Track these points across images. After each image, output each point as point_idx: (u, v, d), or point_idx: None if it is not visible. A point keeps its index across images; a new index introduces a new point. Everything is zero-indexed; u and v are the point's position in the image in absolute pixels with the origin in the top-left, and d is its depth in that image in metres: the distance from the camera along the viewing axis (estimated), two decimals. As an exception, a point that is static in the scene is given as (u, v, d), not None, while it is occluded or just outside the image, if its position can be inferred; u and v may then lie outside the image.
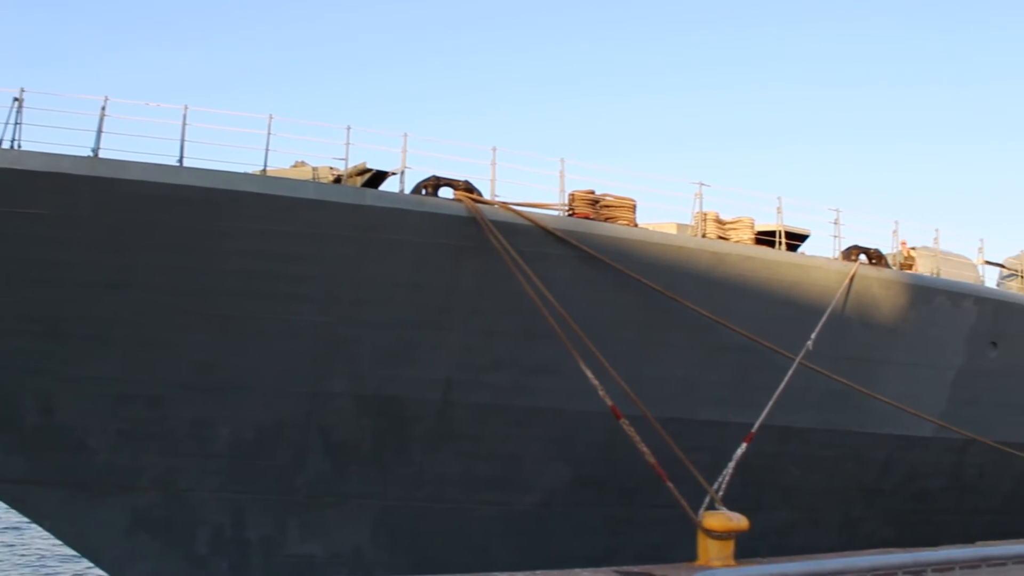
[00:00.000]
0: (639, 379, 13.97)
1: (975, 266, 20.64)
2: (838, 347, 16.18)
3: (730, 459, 14.31)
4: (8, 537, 24.52)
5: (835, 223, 17.48)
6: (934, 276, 18.66)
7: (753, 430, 14.82)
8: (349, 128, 13.73)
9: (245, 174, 13.28)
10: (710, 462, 13.96)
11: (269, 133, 13.31)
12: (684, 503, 12.95)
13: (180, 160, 12.90)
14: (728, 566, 12.34)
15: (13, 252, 12.53)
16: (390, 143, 14.42)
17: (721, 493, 13.66)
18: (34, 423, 13.42)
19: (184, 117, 12.94)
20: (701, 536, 12.90)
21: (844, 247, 17.36)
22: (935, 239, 19.57)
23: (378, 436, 14.23)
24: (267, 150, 13.43)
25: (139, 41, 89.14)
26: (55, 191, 12.23)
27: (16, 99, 12.56)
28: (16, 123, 12.59)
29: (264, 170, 13.57)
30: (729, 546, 12.82)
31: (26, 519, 15.65)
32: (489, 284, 13.87)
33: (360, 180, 14.73)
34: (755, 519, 13.15)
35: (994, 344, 18.60)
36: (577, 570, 13.08)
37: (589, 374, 13.19)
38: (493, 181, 14.35)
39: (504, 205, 14.05)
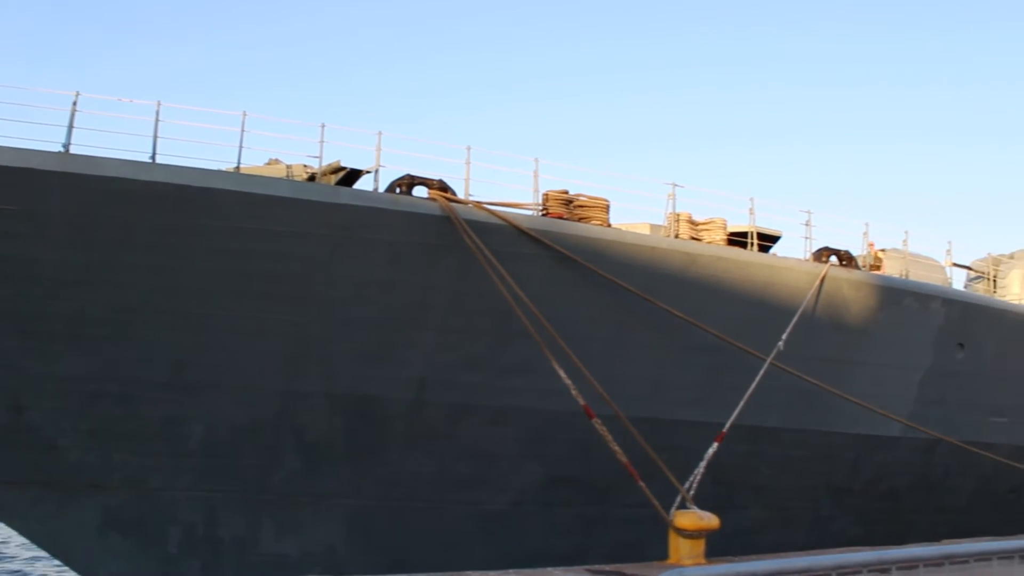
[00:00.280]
0: (612, 379, 14.04)
1: (943, 268, 20.90)
2: (809, 348, 16.33)
3: (701, 458, 14.42)
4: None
5: (806, 224, 17.65)
6: (903, 278, 18.89)
7: (724, 430, 14.92)
8: (323, 126, 13.71)
9: (218, 171, 13.21)
10: (682, 461, 14.04)
11: (243, 130, 13.25)
12: (656, 502, 13.02)
13: (152, 156, 12.80)
14: (699, 564, 12.43)
15: (-18, 249, 12.39)
16: (364, 141, 14.41)
17: (692, 492, 13.75)
18: (3, 422, 13.28)
19: (157, 113, 12.84)
20: (672, 535, 12.97)
21: (815, 248, 17.53)
22: (904, 241, 19.82)
23: (352, 435, 14.20)
24: (241, 147, 13.38)
25: (112, 37, 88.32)
26: (25, 187, 12.10)
27: None
28: None
29: (238, 167, 13.50)
30: (700, 545, 12.89)
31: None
32: (463, 283, 13.89)
33: (334, 178, 14.69)
34: (726, 518, 13.23)
35: (961, 345, 18.86)
36: (550, 569, 13.11)
37: (562, 374, 13.24)
38: (467, 180, 14.37)
39: (478, 204, 14.07)
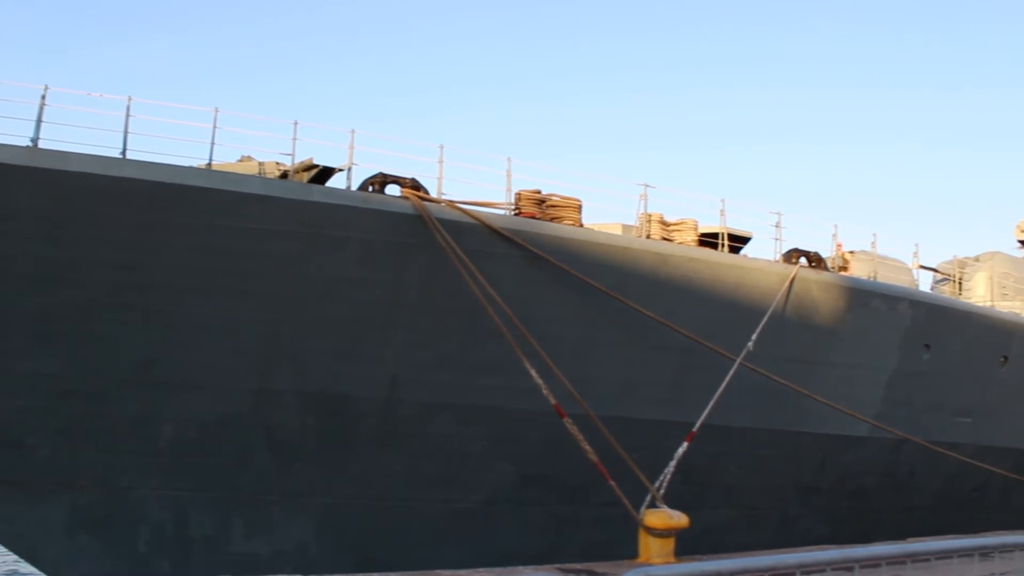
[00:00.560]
0: (583, 378, 14.10)
1: (910, 270, 21.17)
2: (778, 348, 16.48)
3: (672, 458, 14.51)
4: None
5: (777, 226, 17.80)
6: (871, 280, 19.10)
7: (694, 429, 15.03)
8: (296, 123, 13.65)
9: (190, 168, 13.11)
10: (652, 461, 14.13)
11: (215, 127, 13.15)
12: (626, 501, 13.09)
13: (123, 152, 12.69)
14: (668, 563, 12.51)
15: (-52, 245, 12.24)
16: (337, 139, 14.36)
17: (662, 491, 13.83)
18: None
19: (127, 108, 12.72)
20: (642, 534, 13.03)
21: (785, 250, 17.69)
22: (872, 243, 20.05)
23: (323, 434, 14.17)
24: (212, 144, 13.27)
25: (82, 31, 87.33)
26: (-7, 182, 11.97)
27: None
28: None
29: (209, 164, 13.41)
30: (669, 543, 12.96)
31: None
32: (435, 282, 13.90)
33: (307, 176, 14.64)
34: (695, 517, 13.32)
35: (927, 347, 19.10)
36: (520, 568, 13.15)
37: (533, 373, 13.28)
38: (440, 179, 14.36)
39: (451, 203, 14.08)
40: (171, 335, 13.18)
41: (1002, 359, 20.58)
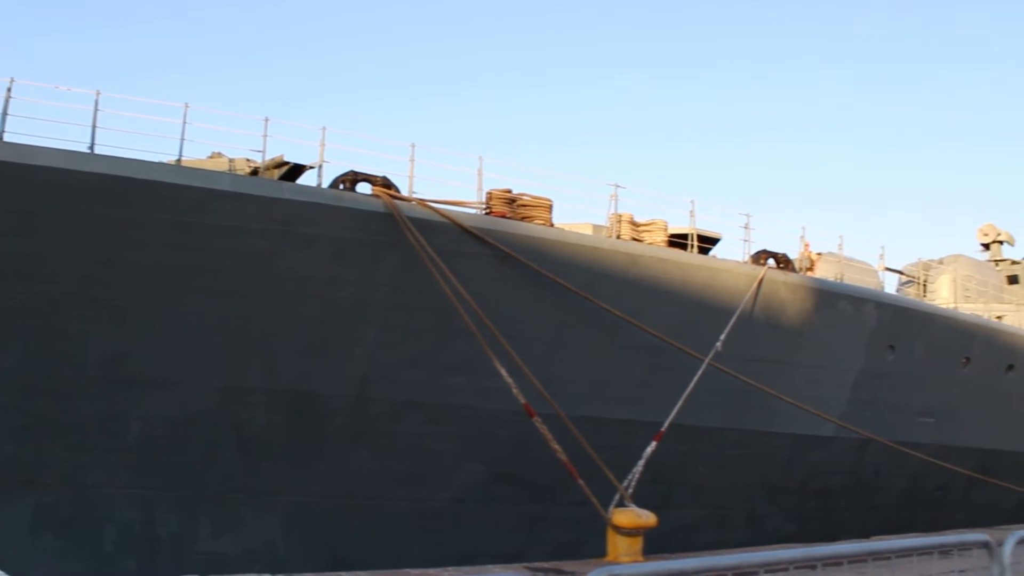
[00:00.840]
0: (553, 378, 14.15)
1: (876, 272, 21.46)
2: (746, 348, 16.62)
3: (640, 457, 14.61)
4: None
5: (745, 227, 17.97)
6: (838, 281, 19.32)
7: (663, 429, 15.15)
8: (267, 120, 13.59)
9: (159, 163, 13.01)
10: (621, 460, 14.23)
11: (184, 122, 13.06)
12: (595, 500, 13.15)
13: (91, 147, 12.57)
14: (636, 562, 12.60)
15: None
16: (308, 136, 14.33)
17: (631, 491, 13.93)
18: (-69, 416, 12.96)
19: (96, 103, 12.59)
20: (611, 533, 13.11)
21: (754, 251, 17.85)
22: (839, 245, 20.30)
23: (292, 432, 14.11)
24: (182, 139, 13.18)
25: (48, 24, 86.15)
26: (-43, 176, 11.82)
27: None
28: None
29: (179, 160, 13.32)
30: (637, 543, 13.05)
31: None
32: (405, 281, 13.89)
33: (277, 173, 14.60)
34: (664, 516, 13.43)
35: (892, 348, 19.33)
36: (489, 567, 13.18)
37: (503, 372, 13.31)
38: (411, 178, 14.36)
39: (422, 202, 14.07)
40: (139, 332, 13.07)
41: (964, 360, 20.89)
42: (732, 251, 18.37)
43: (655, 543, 13.28)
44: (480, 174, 15.22)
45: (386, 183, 13.96)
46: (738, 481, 17.80)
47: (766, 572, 4.37)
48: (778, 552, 4.37)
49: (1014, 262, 39.18)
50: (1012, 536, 5.86)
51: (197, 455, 13.74)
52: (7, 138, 12.27)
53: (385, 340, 14.15)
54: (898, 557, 5.73)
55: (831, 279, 19.32)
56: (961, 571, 6.80)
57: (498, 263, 14.38)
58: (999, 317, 25.42)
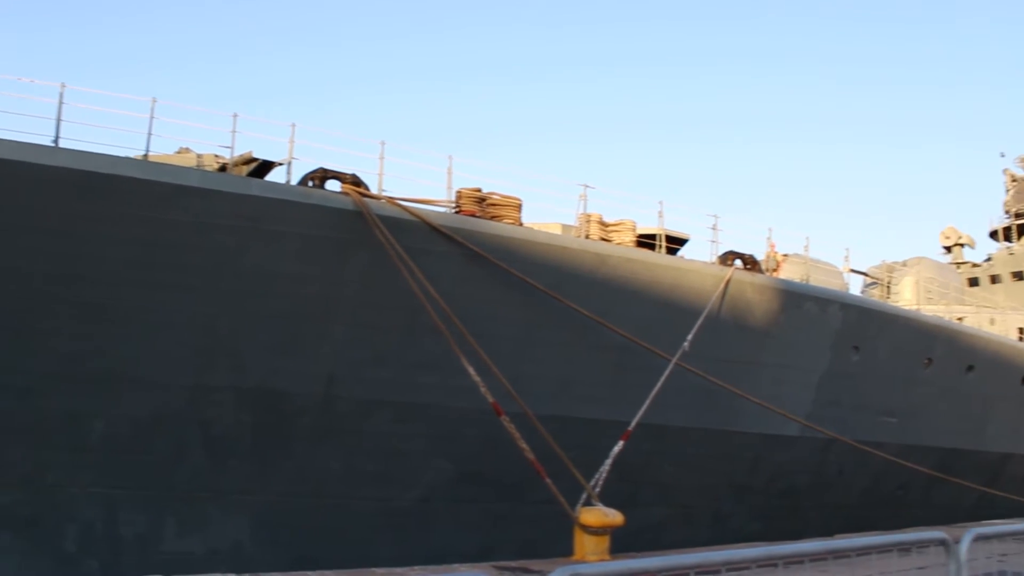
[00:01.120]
0: (520, 376, 14.18)
1: (841, 274, 21.70)
2: (713, 349, 16.75)
3: (607, 456, 14.68)
4: None
5: (713, 228, 18.11)
6: (803, 282, 19.51)
7: (630, 428, 15.23)
8: (236, 116, 13.48)
9: (126, 158, 12.86)
10: (588, 459, 14.29)
11: (152, 117, 12.93)
12: (562, 499, 13.19)
13: (55, 140, 12.41)
14: (603, 560, 12.66)
15: None
16: (278, 133, 14.24)
17: (598, 490, 13.99)
18: None
19: (60, 96, 12.43)
20: (577, 532, 13.14)
21: (721, 252, 17.99)
22: (805, 247, 20.51)
23: (259, 430, 14.03)
24: (149, 134, 13.04)
25: (12, 16, 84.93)
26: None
27: None
28: None
29: (146, 155, 13.20)
30: (604, 541, 13.09)
31: None
32: (374, 279, 13.86)
33: (246, 169, 14.49)
34: (631, 515, 13.48)
35: (856, 348, 19.56)
36: (456, 565, 13.19)
37: (471, 371, 13.32)
38: (381, 175, 14.32)
39: (391, 200, 14.05)
40: (104, 328, 12.93)
41: (926, 361, 21.18)
42: (700, 252, 18.51)
43: (622, 542, 13.34)
44: (450, 173, 15.22)
45: (355, 180, 13.92)
46: (704, 480, 17.93)
47: (728, 571, 4.43)
48: (740, 551, 4.43)
49: (974, 265, 39.90)
50: (968, 534, 5.97)
51: (163, 454, 13.63)
52: (-31, 131, 12.07)
53: (353, 338, 14.11)
54: (858, 555, 5.82)
55: (797, 280, 19.50)
56: (920, 568, 6.91)
57: (467, 262, 14.39)
58: (960, 319, 25.84)
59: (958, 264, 39.90)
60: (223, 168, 14.10)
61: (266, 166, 14.55)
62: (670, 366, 15.80)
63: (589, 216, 16.69)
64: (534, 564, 13.27)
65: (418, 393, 14.61)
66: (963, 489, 21.38)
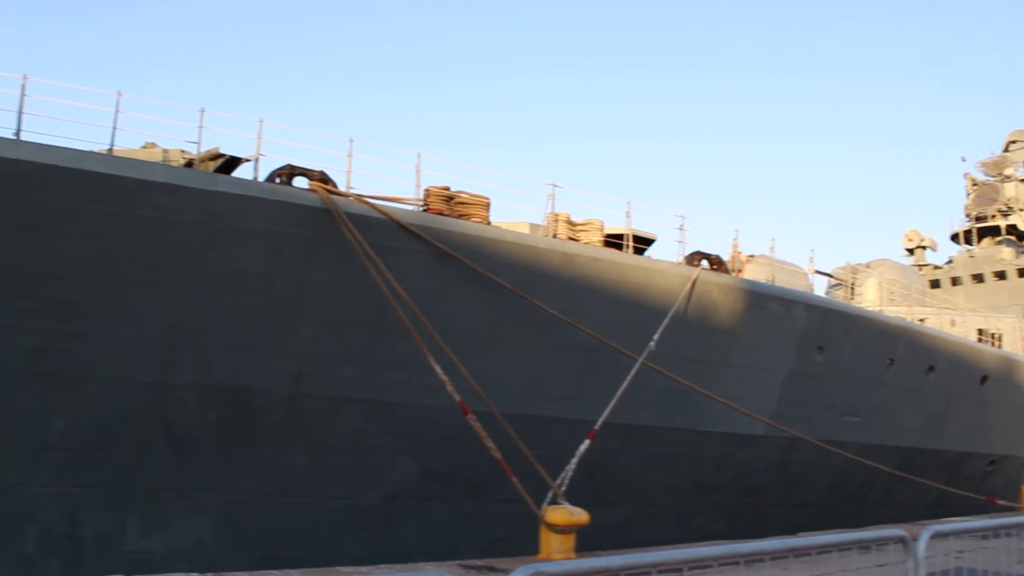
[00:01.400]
0: (487, 375, 14.19)
1: (806, 275, 21.94)
2: (679, 348, 16.85)
3: (573, 455, 14.73)
4: None
5: (680, 229, 18.21)
6: (769, 283, 19.68)
7: (596, 427, 15.29)
8: (203, 111, 13.37)
9: (90, 152, 12.71)
10: (555, 458, 14.32)
11: (117, 111, 12.78)
12: (528, 498, 13.22)
13: (17, 133, 12.24)
14: (568, 559, 12.70)
15: None
16: (245, 129, 14.14)
17: (564, 488, 14.03)
18: None
19: (23, 88, 12.25)
20: (543, 530, 13.18)
21: (688, 252, 18.10)
22: (771, 248, 20.70)
23: (224, 428, 13.92)
24: (114, 128, 12.88)
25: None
26: None
27: None
28: None
29: (110, 149, 13.05)
30: (570, 540, 13.13)
31: None
32: (341, 276, 13.81)
33: (212, 165, 14.36)
34: (596, 514, 13.53)
35: (820, 349, 19.77)
36: (421, 564, 13.17)
37: (438, 369, 13.32)
38: (349, 173, 14.26)
39: (359, 197, 14.01)
40: (66, 325, 12.77)
41: (888, 361, 21.46)
42: (667, 252, 18.62)
43: (588, 540, 13.39)
44: (418, 171, 15.19)
45: (323, 178, 13.86)
46: (670, 479, 18.03)
47: (690, 569, 4.47)
48: (702, 549, 4.48)
49: (936, 267, 40.63)
50: (925, 531, 6.07)
51: (126, 452, 13.48)
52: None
53: (320, 336, 14.05)
54: (819, 553, 5.90)
55: (762, 281, 19.67)
56: (879, 565, 7.01)
57: (435, 260, 14.38)
58: (922, 320, 26.21)
59: (920, 266, 40.61)
60: (189, 164, 13.99)
61: (233, 162, 14.44)
62: (636, 365, 15.87)
63: (557, 216, 16.72)
64: (500, 563, 13.28)
65: (385, 391, 14.58)
66: (923, 487, 21.68)
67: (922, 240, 41.81)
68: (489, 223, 15.59)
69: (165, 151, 14.21)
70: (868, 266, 29.24)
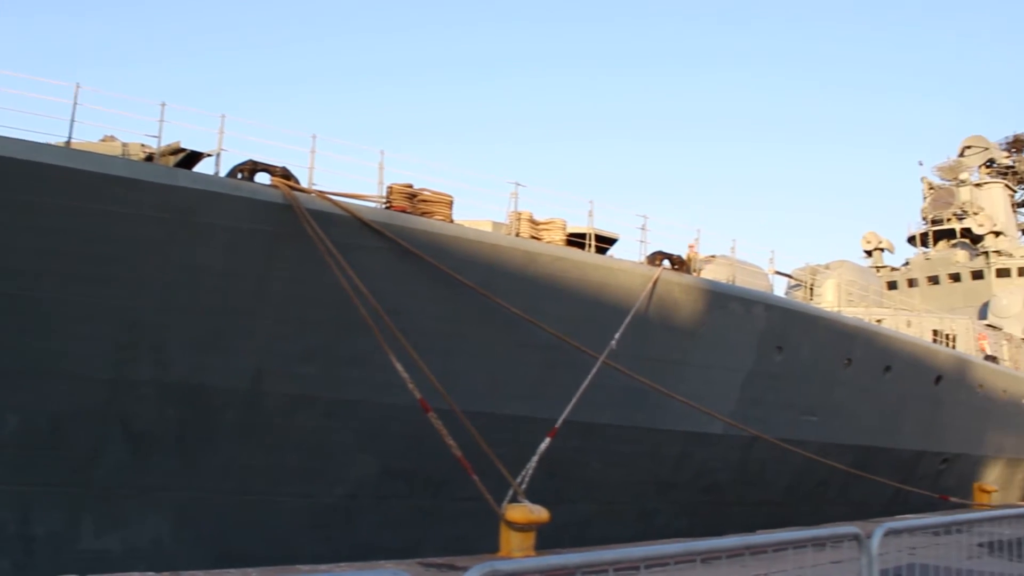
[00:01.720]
0: (449, 373, 14.18)
1: (766, 275, 22.16)
2: (640, 347, 16.94)
3: (534, 453, 14.77)
4: None
5: (642, 229, 18.31)
6: (729, 283, 19.85)
7: (557, 425, 15.34)
8: (164, 105, 13.21)
9: (47, 145, 12.50)
10: (516, 456, 14.35)
11: (75, 103, 12.59)
12: (488, 496, 13.23)
13: None
14: (528, 556, 12.73)
15: None
16: (207, 124, 13.99)
17: (524, 486, 14.06)
18: None
19: (-23, 79, 12.08)
20: (503, 528, 13.21)
21: (650, 252, 18.20)
22: (732, 248, 20.88)
23: (183, 426, 13.78)
24: (72, 121, 12.70)
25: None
26: None
27: None
28: None
29: (68, 142, 12.85)
30: (530, 538, 13.16)
31: None
32: (303, 273, 13.73)
33: (173, 160, 14.20)
34: (557, 512, 13.57)
35: (779, 348, 19.98)
36: (382, 562, 13.14)
37: (399, 367, 13.28)
38: (311, 169, 14.19)
39: (321, 194, 13.92)
40: (20, 321, 12.56)
41: (846, 361, 21.74)
42: (629, 252, 18.71)
43: (548, 538, 13.43)
44: (381, 168, 15.14)
45: (285, 174, 13.76)
46: (630, 477, 18.13)
47: (647, 567, 4.51)
48: (658, 547, 4.52)
49: (893, 269, 41.33)
50: (879, 528, 6.17)
51: (81, 450, 13.29)
52: None
53: (280, 333, 13.96)
54: (775, 551, 5.98)
55: (723, 281, 19.82)
56: (834, 562, 7.12)
57: (397, 258, 14.34)
58: (879, 320, 26.59)
59: (878, 268, 41.27)
60: (149, 158, 13.81)
61: (194, 157, 14.28)
62: (597, 364, 15.93)
63: (520, 214, 16.75)
64: (460, 560, 13.28)
65: (345, 389, 14.52)
66: (879, 486, 22.01)
67: (880, 242, 42.51)
68: (452, 221, 15.57)
69: (125, 145, 14.02)
70: (827, 267, 29.61)
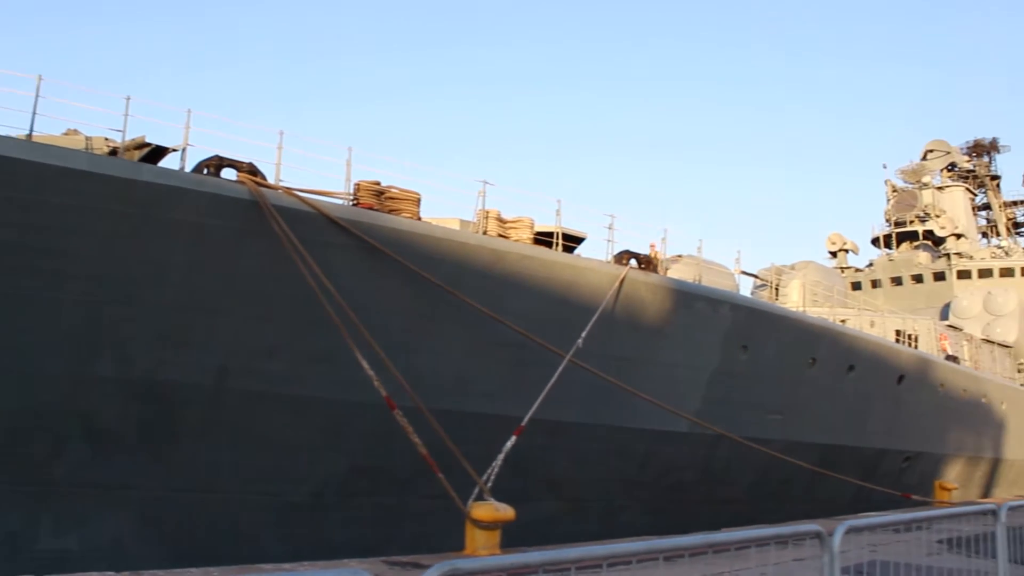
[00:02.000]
0: (415, 371, 14.15)
1: (732, 275, 22.32)
2: (606, 346, 16.99)
3: (500, 451, 14.76)
4: None
5: (609, 228, 18.37)
6: (696, 283, 19.96)
7: (523, 423, 15.34)
8: (129, 98, 13.05)
9: (8, 137, 12.31)
10: (481, 454, 14.33)
11: (37, 95, 12.40)
12: (454, 494, 13.20)
13: None
14: (493, 555, 12.72)
15: None
16: (173, 118, 13.84)
17: (490, 484, 14.05)
18: None
19: (-65, 70, 11.86)
20: (469, 526, 13.19)
21: (617, 251, 18.26)
22: (699, 248, 21.01)
23: (146, 423, 13.62)
24: (34, 113, 12.50)
25: None
26: None
27: None
28: None
29: (30, 135, 12.65)
30: (496, 536, 13.14)
31: None
32: (268, 270, 13.62)
33: (138, 154, 14.03)
34: (523, 510, 13.53)
35: (745, 348, 20.12)
36: (347, 560, 13.07)
37: (365, 364, 13.22)
38: (278, 165, 14.08)
39: (288, 190, 13.83)
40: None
41: (810, 360, 21.94)
42: (596, 251, 18.76)
43: (514, 536, 13.42)
44: (349, 165, 15.07)
45: (252, 169, 13.65)
46: (596, 475, 18.16)
47: (609, 565, 4.52)
48: (621, 545, 4.53)
49: (857, 270, 41.87)
50: (841, 526, 6.23)
51: (40, 448, 13.09)
52: None
53: (245, 330, 13.84)
54: (738, 549, 6.01)
55: (689, 280, 19.93)
56: (797, 560, 7.18)
57: (364, 255, 14.27)
58: (843, 320, 26.89)
59: (842, 269, 41.77)
60: (114, 152, 13.64)
61: (159, 152, 14.12)
62: (564, 363, 15.96)
63: (487, 212, 16.73)
64: (425, 559, 13.23)
65: (311, 386, 14.42)
66: (843, 483, 22.23)
67: (844, 243, 43.04)
68: (419, 218, 15.52)
69: (88, 139, 13.83)
70: (792, 268, 29.94)
